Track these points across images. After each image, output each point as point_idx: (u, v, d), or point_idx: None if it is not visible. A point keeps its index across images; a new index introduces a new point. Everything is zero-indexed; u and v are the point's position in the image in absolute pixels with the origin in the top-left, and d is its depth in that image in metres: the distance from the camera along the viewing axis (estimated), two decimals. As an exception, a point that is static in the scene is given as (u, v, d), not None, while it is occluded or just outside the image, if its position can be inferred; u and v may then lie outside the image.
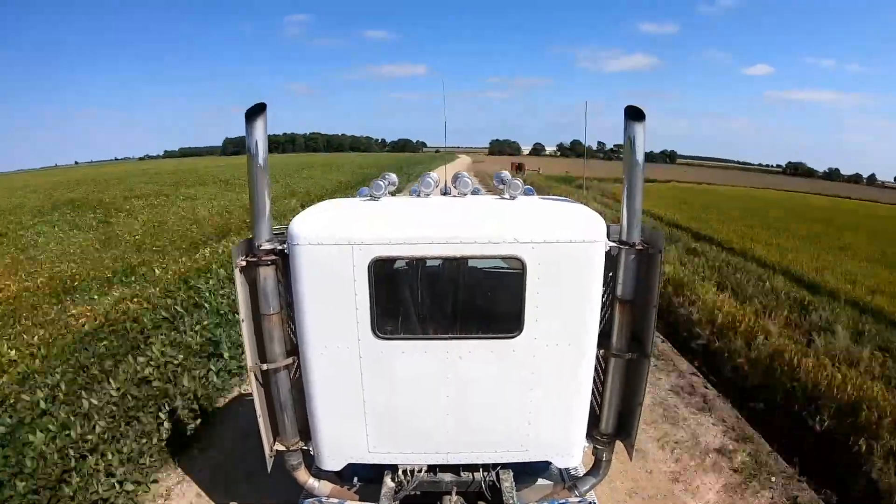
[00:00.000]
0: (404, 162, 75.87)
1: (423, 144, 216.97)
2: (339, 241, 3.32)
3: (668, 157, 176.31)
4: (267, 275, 3.50)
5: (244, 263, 3.49)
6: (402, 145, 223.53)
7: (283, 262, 3.49)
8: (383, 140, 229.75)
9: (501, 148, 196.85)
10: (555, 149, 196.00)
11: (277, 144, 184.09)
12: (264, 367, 3.64)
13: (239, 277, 3.50)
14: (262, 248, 3.47)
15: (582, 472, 4.15)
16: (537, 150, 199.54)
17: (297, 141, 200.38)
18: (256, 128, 3.34)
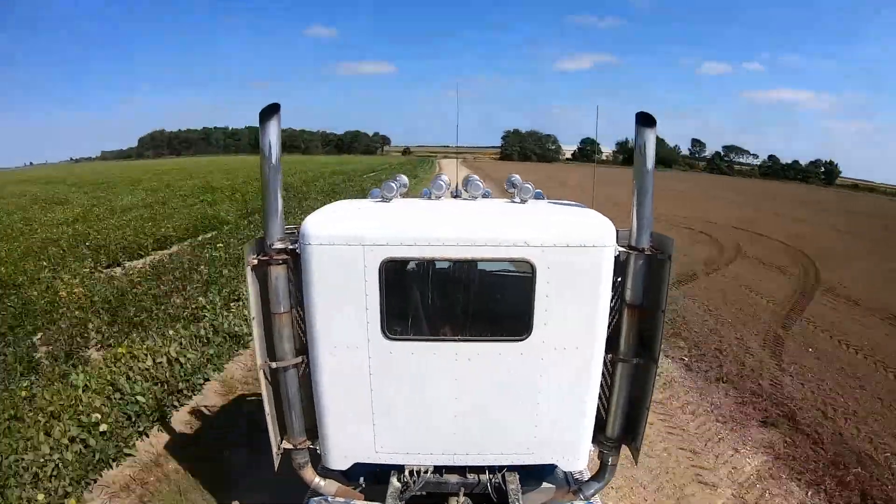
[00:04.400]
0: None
1: (385, 141, 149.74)
2: (350, 242, 3.35)
3: (826, 173, 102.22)
4: (278, 274, 3.53)
5: (256, 262, 3.52)
6: (350, 142, 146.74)
7: (295, 262, 3.52)
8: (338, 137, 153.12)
9: (525, 147, 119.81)
10: (615, 150, 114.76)
11: (190, 143, 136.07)
12: (274, 365, 3.67)
13: (250, 276, 3.54)
14: (274, 247, 3.50)
15: (587, 476, 4.16)
16: (587, 153, 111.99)
17: (214, 137, 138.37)
18: (270, 128, 3.38)
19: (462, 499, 3.77)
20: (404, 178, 4.01)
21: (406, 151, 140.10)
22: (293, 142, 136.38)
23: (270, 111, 3.39)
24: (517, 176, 3.97)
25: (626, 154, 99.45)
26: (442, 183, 3.95)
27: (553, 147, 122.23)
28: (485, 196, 4.05)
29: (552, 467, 3.99)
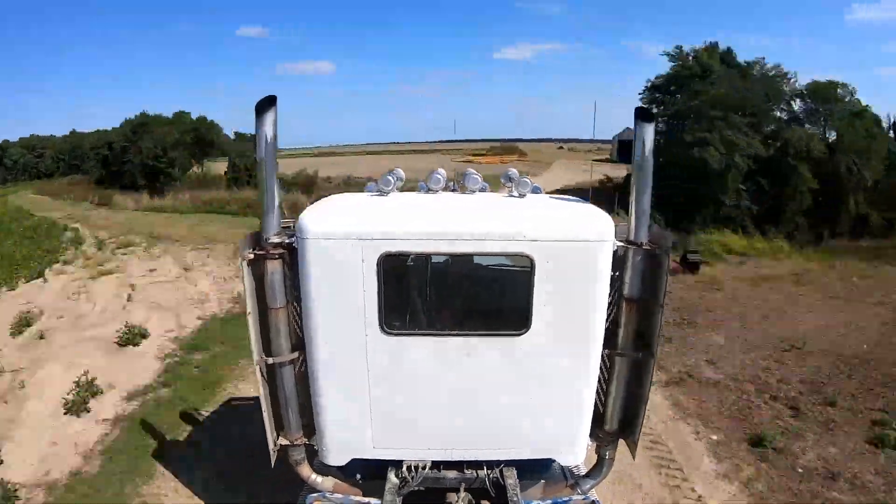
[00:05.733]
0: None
1: (202, 138, 38.12)
2: (348, 236, 3.31)
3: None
4: (274, 268, 3.49)
5: (252, 256, 3.48)
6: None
7: (291, 256, 3.48)
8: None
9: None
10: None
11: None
12: (270, 360, 3.63)
13: (246, 270, 3.49)
14: (270, 241, 3.46)
15: (584, 470, 4.17)
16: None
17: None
18: (266, 121, 3.33)
19: (462, 493, 3.76)
20: (401, 172, 3.98)
21: (231, 173, 35.08)
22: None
23: (266, 104, 3.35)
24: (514, 170, 3.94)
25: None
26: (439, 177, 3.93)
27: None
28: (482, 190, 4.03)
29: (550, 461, 3.99)
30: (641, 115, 3.41)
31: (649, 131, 3.40)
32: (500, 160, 57.09)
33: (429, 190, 3.93)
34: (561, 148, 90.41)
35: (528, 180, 3.84)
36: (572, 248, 3.34)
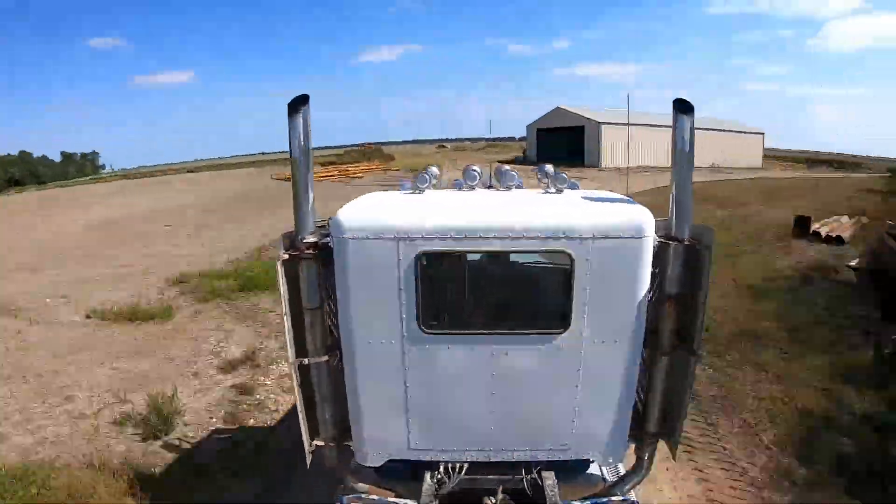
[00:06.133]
0: None
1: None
2: (385, 234, 3.28)
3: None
4: (309, 268, 3.46)
5: (287, 257, 3.46)
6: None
7: (326, 256, 3.46)
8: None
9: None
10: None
11: None
12: (305, 361, 3.61)
13: (281, 271, 3.48)
14: (305, 240, 3.43)
15: (624, 470, 4.09)
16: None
17: None
18: (299, 120, 3.31)
19: (502, 496, 3.71)
20: (435, 170, 3.95)
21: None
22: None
23: (299, 102, 3.32)
24: (549, 166, 3.89)
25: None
26: (475, 173, 3.88)
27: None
28: (518, 186, 3.98)
29: (588, 462, 3.93)
30: (680, 106, 3.33)
31: (688, 122, 3.32)
32: (342, 171, 36.08)
33: (465, 187, 3.89)
34: (442, 147, 74.04)
35: (564, 175, 3.78)
36: (611, 244, 3.27)
